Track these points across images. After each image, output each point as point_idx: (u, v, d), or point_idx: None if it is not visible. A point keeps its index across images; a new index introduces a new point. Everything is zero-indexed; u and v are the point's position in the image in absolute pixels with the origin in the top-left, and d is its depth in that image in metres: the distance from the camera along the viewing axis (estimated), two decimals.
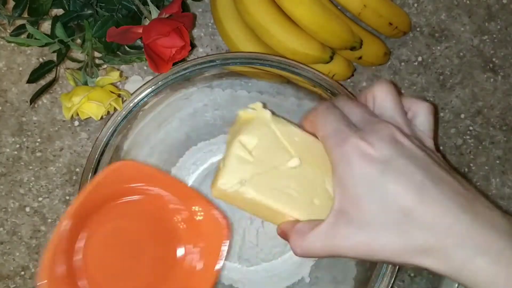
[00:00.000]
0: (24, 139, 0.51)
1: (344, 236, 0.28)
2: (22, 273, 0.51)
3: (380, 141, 0.28)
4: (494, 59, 0.54)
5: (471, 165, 0.54)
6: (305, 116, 0.34)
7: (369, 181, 0.27)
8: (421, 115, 0.32)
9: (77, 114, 0.41)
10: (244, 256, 0.48)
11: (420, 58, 0.54)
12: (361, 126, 0.30)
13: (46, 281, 0.31)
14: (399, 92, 0.35)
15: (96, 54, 0.46)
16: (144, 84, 0.43)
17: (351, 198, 0.28)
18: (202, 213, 0.37)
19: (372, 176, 0.27)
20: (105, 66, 0.47)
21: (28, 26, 0.42)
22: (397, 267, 0.41)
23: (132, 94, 0.43)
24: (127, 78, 0.52)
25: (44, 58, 0.51)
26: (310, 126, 0.33)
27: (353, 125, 0.30)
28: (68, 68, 0.45)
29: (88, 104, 0.40)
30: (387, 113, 0.31)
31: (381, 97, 0.32)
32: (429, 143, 0.31)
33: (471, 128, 0.54)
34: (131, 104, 0.43)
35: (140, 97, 0.43)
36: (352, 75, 0.51)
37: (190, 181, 0.49)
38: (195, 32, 0.52)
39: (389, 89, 0.32)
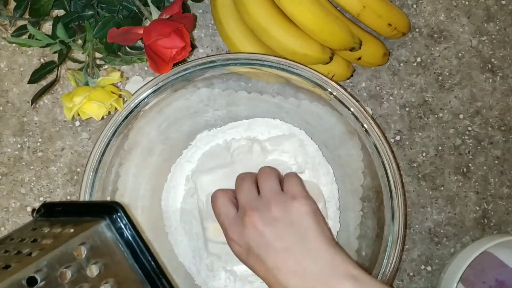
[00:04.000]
0: (26, 139, 0.51)
1: None
2: None
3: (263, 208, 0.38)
4: (492, 60, 0.55)
5: (470, 165, 0.54)
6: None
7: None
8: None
9: (78, 114, 0.42)
10: None
11: (419, 59, 0.54)
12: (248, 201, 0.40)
13: None
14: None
15: (97, 54, 0.46)
16: (145, 85, 0.43)
17: None
18: None
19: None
20: (106, 66, 0.47)
21: (29, 27, 0.42)
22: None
23: (133, 95, 0.43)
24: (128, 78, 0.52)
25: (45, 58, 0.52)
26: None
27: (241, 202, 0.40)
28: (69, 69, 0.45)
29: (89, 104, 0.40)
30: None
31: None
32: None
33: (470, 128, 0.54)
34: (132, 105, 0.43)
35: (140, 97, 0.43)
36: (352, 75, 0.51)
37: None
38: (196, 33, 0.53)
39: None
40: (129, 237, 0.28)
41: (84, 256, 0.26)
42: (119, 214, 0.28)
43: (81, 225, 0.27)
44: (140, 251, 0.28)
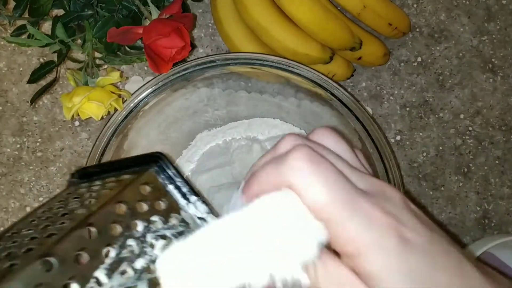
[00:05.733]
0: (25, 139, 0.51)
1: None
2: None
3: (409, 219, 0.21)
4: (493, 60, 0.55)
5: (471, 165, 0.54)
6: (259, 168, 0.22)
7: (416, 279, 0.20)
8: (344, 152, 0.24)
9: (78, 114, 0.42)
10: None
11: (419, 59, 0.54)
12: (369, 190, 0.21)
13: None
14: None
15: (97, 54, 0.46)
16: (145, 85, 0.43)
17: None
18: None
19: (420, 271, 0.20)
20: (105, 66, 0.47)
21: (29, 27, 0.42)
22: None
23: (132, 94, 0.43)
24: (127, 78, 0.52)
25: (45, 58, 0.51)
26: (272, 182, 0.21)
27: (359, 189, 0.21)
28: (69, 69, 0.45)
29: (88, 104, 0.40)
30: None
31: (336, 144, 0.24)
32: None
33: (470, 128, 0.54)
34: (132, 104, 0.43)
35: (140, 97, 0.43)
36: (352, 75, 0.51)
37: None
38: (195, 32, 0.52)
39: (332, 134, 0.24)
40: (178, 183, 0.26)
41: (149, 192, 0.25)
42: (166, 162, 0.27)
43: (128, 177, 0.26)
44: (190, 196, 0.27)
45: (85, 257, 0.20)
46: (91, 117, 0.41)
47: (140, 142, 0.47)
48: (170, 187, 0.26)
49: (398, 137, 0.54)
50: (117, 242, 0.21)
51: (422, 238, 0.20)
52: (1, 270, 0.18)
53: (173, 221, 0.25)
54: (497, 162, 0.54)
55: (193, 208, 0.26)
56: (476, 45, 0.54)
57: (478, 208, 0.54)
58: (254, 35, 0.47)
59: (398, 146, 0.54)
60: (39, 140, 0.51)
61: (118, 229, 0.22)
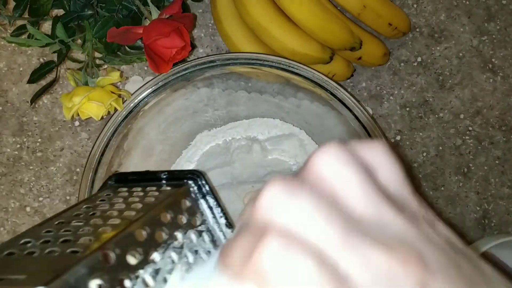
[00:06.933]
0: (25, 139, 0.51)
1: None
2: None
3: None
4: (493, 60, 0.55)
5: (471, 165, 0.54)
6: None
7: None
8: (383, 168, 0.18)
9: (78, 114, 0.42)
10: None
11: (419, 59, 0.54)
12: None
13: None
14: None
15: (97, 54, 0.46)
16: (145, 85, 0.43)
17: None
18: None
19: None
20: (105, 66, 0.47)
21: (29, 27, 0.42)
22: None
23: (132, 94, 0.43)
24: (127, 78, 0.52)
25: (45, 58, 0.51)
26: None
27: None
28: (69, 69, 0.45)
29: (88, 104, 0.40)
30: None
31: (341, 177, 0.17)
32: (420, 209, 0.18)
33: (470, 128, 0.54)
34: (132, 104, 0.43)
35: (140, 97, 0.43)
36: (352, 75, 0.51)
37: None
38: (195, 32, 0.52)
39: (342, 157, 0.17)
40: (211, 203, 0.27)
41: (188, 206, 0.26)
42: (203, 180, 0.27)
43: (169, 189, 0.27)
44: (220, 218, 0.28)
45: (136, 256, 0.20)
46: (91, 117, 0.41)
47: (140, 142, 0.47)
48: (204, 206, 0.27)
49: (398, 137, 0.54)
50: (161, 249, 0.22)
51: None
52: (65, 255, 0.19)
53: (206, 238, 0.25)
54: (497, 162, 0.54)
55: (219, 229, 0.27)
56: (476, 45, 0.54)
57: (478, 208, 0.54)
58: (254, 35, 0.47)
59: (398, 146, 0.54)
60: (39, 140, 0.51)
61: (163, 236, 0.22)
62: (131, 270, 0.20)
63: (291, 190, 0.16)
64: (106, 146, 0.42)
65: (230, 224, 0.27)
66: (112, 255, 0.19)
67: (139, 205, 0.24)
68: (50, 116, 0.51)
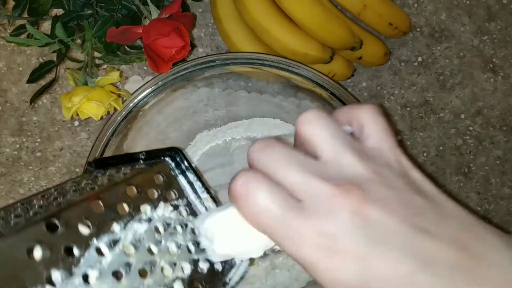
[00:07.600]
0: (24, 139, 0.51)
1: None
2: None
3: (343, 231, 0.20)
4: (494, 59, 0.54)
5: (471, 165, 0.54)
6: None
7: None
8: (367, 126, 0.23)
9: (77, 114, 0.41)
10: None
11: (420, 58, 0.54)
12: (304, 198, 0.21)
13: None
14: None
15: (96, 54, 0.46)
16: (144, 84, 0.43)
17: None
18: None
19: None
20: (105, 66, 0.47)
21: (28, 26, 0.42)
22: None
23: (132, 94, 0.43)
24: (127, 78, 0.52)
25: (44, 58, 0.51)
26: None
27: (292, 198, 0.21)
28: (68, 68, 0.45)
29: (88, 104, 0.40)
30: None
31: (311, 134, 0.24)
32: (393, 159, 0.22)
33: (471, 128, 0.54)
34: (131, 104, 0.43)
35: (140, 97, 0.43)
36: (352, 75, 0.51)
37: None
38: (195, 32, 0.52)
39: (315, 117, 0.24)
40: (191, 179, 0.28)
41: (162, 181, 0.27)
42: (181, 157, 0.28)
43: (143, 167, 0.28)
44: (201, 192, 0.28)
45: (88, 225, 0.21)
46: (90, 117, 0.41)
47: (139, 142, 0.47)
48: (183, 182, 0.28)
49: (399, 137, 0.54)
50: (123, 220, 0.23)
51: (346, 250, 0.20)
52: (4, 227, 0.20)
53: (183, 212, 0.26)
54: (497, 162, 0.54)
55: (201, 204, 0.27)
56: (477, 45, 0.54)
57: (479, 208, 0.54)
58: (254, 34, 0.47)
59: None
60: (39, 140, 0.51)
61: (126, 208, 0.23)
62: (83, 239, 0.21)
63: (267, 145, 0.22)
64: (106, 146, 0.42)
65: (213, 198, 0.28)
66: (59, 224, 0.20)
67: (106, 182, 0.25)
68: (49, 116, 0.51)
